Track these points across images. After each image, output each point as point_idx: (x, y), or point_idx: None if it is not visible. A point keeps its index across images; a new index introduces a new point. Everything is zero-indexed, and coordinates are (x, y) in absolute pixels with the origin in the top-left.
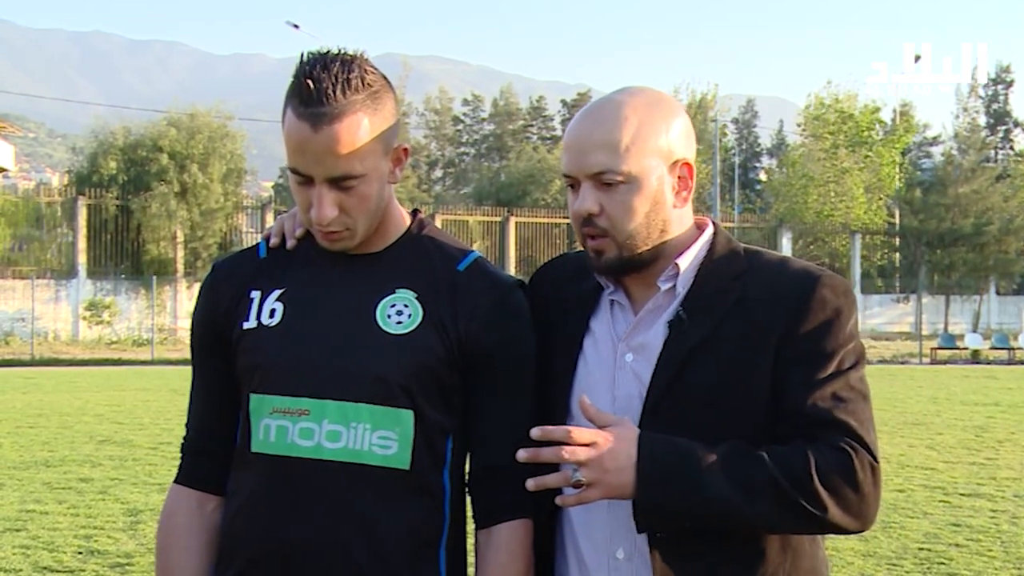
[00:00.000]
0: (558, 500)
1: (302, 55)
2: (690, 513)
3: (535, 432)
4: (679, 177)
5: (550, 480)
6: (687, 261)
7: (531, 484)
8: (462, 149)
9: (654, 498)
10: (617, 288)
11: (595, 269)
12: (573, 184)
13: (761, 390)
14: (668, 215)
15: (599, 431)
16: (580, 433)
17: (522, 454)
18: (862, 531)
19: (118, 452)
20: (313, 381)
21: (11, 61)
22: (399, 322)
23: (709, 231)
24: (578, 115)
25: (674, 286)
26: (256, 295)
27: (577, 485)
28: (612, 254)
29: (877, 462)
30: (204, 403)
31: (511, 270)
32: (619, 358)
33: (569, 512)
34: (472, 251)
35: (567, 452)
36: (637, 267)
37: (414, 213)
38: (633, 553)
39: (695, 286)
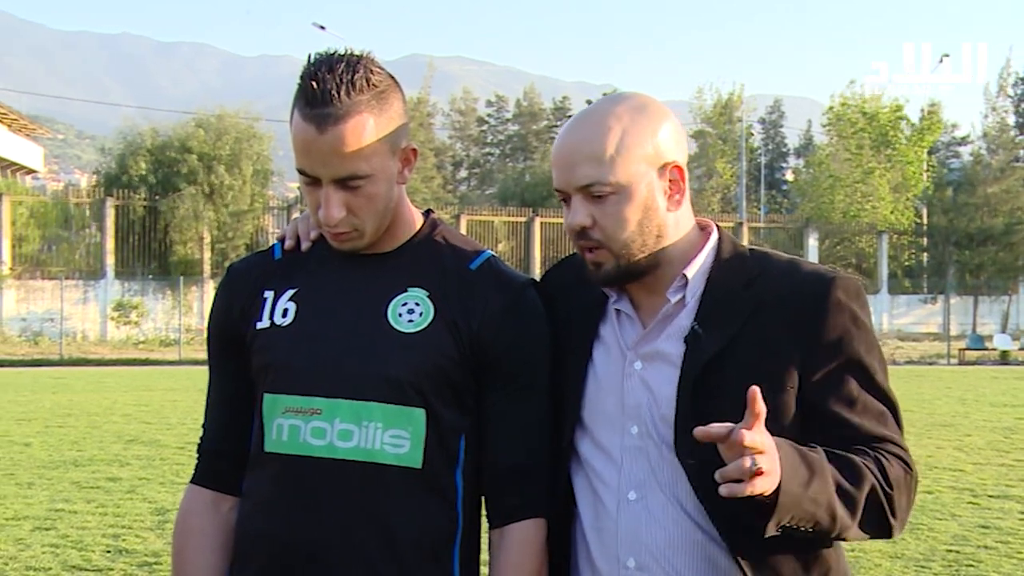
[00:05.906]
0: (723, 491)
1: (309, 56)
2: (811, 515)
3: (698, 432)
4: (670, 181)
5: (729, 470)
6: (695, 270)
7: (718, 475)
8: (487, 150)
9: (790, 496)
10: (621, 297)
11: (595, 280)
12: (565, 198)
13: (785, 398)
14: (662, 220)
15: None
16: (748, 433)
17: (723, 490)
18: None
19: (146, 452)
20: (325, 380)
21: (41, 63)
22: (410, 320)
23: (715, 236)
24: (564, 128)
25: (683, 296)
26: (269, 295)
27: (757, 473)
28: (610, 265)
29: None
30: (220, 404)
31: (536, 271)
32: (628, 366)
33: (582, 520)
34: (485, 250)
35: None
36: (636, 275)
37: (427, 213)
38: (648, 563)
39: (706, 296)
